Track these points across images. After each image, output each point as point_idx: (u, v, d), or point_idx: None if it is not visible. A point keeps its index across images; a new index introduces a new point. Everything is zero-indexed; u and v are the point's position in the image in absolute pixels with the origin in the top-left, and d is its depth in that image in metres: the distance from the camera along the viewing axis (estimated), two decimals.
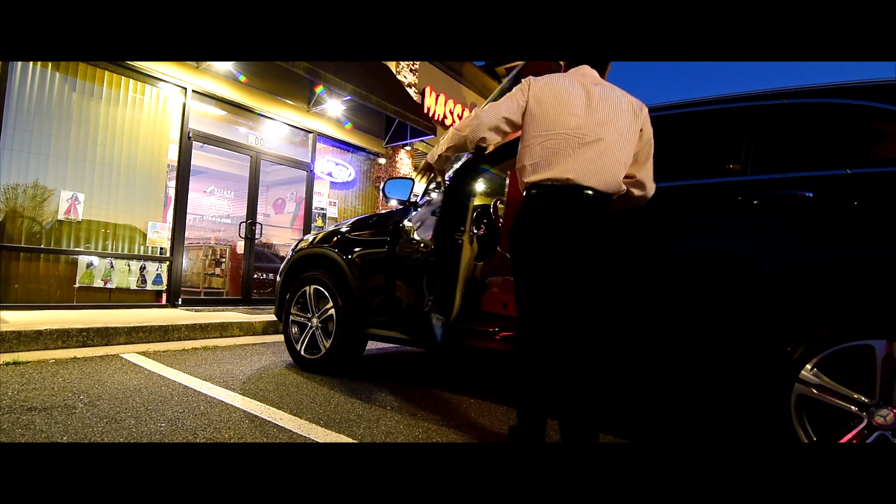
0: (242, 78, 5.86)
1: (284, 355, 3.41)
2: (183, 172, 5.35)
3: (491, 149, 2.24)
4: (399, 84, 7.95)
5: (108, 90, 4.79)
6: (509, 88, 1.99)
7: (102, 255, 4.71)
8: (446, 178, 2.24)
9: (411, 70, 8.65)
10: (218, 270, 7.27)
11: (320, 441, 1.81)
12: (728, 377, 1.70)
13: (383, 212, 3.05)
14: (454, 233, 2.27)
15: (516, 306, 1.66)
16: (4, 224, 4.19)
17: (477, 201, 3.95)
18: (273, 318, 4.57)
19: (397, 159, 8.24)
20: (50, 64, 4.42)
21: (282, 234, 7.87)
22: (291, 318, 3.10)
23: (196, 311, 5.11)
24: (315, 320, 2.97)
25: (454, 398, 2.55)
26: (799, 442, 1.50)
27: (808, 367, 1.50)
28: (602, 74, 1.71)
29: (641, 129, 1.65)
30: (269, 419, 2.01)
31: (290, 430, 1.90)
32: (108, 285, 4.73)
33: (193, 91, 5.41)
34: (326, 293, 2.90)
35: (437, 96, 9.25)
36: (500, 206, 3.31)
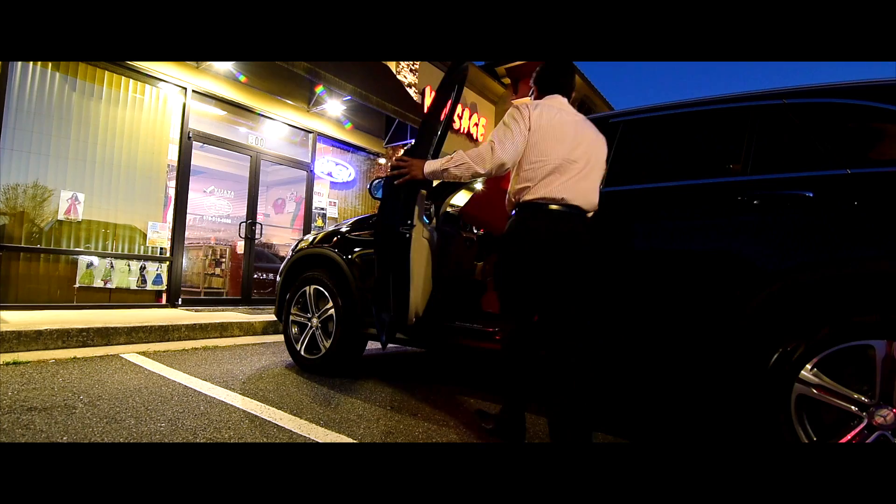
0: (242, 78, 5.86)
1: (284, 355, 3.41)
2: (183, 172, 5.35)
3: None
4: (399, 84, 7.95)
5: (108, 90, 4.79)
6: (449, 84, 2.10)
7: (102, 255, 4.71)
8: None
9: (411, 70, 8.65)
10: (218, 270, 7.27)
11: (320, 441, 1.81)
12: (728, 377, 1.70)
13: None
14: (398, 226, 2.10)
15: (502, 301, 1.87)
16: (4, 224, 4.19)
17: None
18: (273, 318, 4.57)
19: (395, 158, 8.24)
20: (50, 64, 4.42)
21: (282, 234, 7.87)
22: (291, 318, 3.10)
23: (196, 311, 5.11)
24: (315, 320, 2.97)
25: (454, 398, 2.55)
26: (799, 442, 1.50)
27: (808, 367, 1.50)
28: (569, 102, 1.94)
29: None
30: (269, 419, 2.01)
31: (290, 430, 1.90)
32: (108, 285, 4.73)
33: (193, 91, 5.41)
34: (326, 293, 2.90)
35: None
36: None
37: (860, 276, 1.51)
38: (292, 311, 3.09)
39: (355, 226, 3.00)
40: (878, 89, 1.66)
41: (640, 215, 1.99)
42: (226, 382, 2.57)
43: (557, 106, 1.85)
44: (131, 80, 4.96)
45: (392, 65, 8.20)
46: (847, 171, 1.58)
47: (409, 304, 2.15)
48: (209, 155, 6.82)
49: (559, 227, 1.72)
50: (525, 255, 1.74)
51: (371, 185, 2.85)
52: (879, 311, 1.42)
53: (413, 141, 8.00)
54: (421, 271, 2.26)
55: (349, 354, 2.89)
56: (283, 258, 6.34)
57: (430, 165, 1.94)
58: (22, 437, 1.66)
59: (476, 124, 10.39)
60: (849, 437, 1.42)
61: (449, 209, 3.01)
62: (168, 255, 5.19)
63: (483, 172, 1.79)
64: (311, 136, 6.91)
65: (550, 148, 1.75)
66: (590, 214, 1.85)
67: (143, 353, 3.20)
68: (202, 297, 6.54)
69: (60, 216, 4.46)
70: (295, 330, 3.09)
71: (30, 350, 3.06)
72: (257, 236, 6.19)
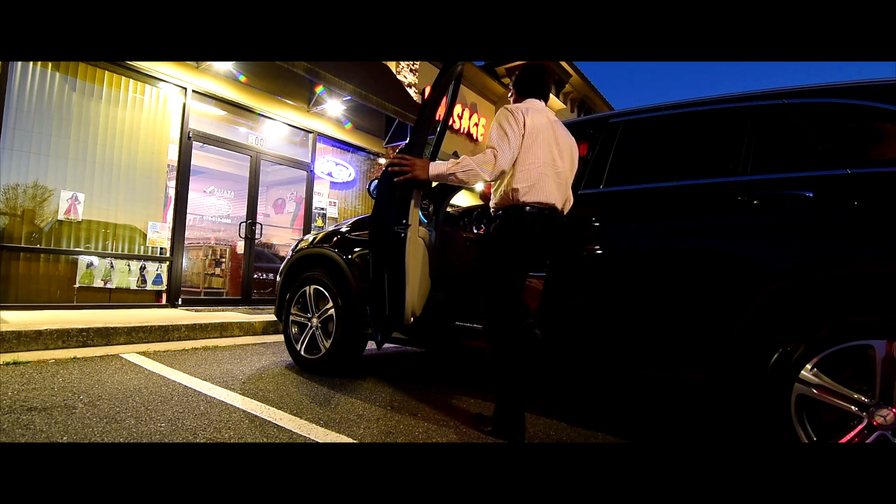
0: (242, 78, 5.86)
1: (284, 355, 3.41)
2: (183, 172, 5.35)
3: None
4: (399, 84, 7.95)
5: (108, 90, 4.79)
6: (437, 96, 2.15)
7: (102, 255, 4.71)
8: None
9: (411, 70, 8.65)
10: (218, 270, 7.27)
11: (320, 441, 1.81)
12: (728, 377, 1.70)
13: None
14: (394, 225, 2.09)
15: (493, 300, 1.94)
16: (4, 224, 4.19)
17: (476, 201, 3.94)
18: (273, 318, 4.57)
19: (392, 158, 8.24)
20: (50, 64, 4.42)
21: (282, 234, 7.87)
22: (291, 318, 3.10)
23: (196, 311, 5.11)
24: (315, 320, 2.97)
25: (454, 398, 2.55)
26: (799, 442, 1.50)
27: (808, 367, 1.50)
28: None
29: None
30: (269, 419, 2.01)
31: (290, 430, 1.90)
32: (108, 285, 4.73)
33: (193, 91, 5.41)
34: (326, 293, 2.90)
35: None
36: None
37: (860, 276, 1.51)
38: (292, 311, 3.09)
39: (355, 226, 3.00)
40: (879, 89, 1.66)
41: (641, 215, 1.99)
42: (226, 382, 2.57)
43: (541, 110, 1.99)
44: (131, 80, 4.96)
45: (392, 65, 8.20)
46: (847, 171, 1.58)
47: (406, 304, 2.13)
48: (209, 155, 6.82)
49: (550, 229, 1.95)
50: (521, 255, 1.92)
51: (370, 185, 2.85)
52: (879, 311, 1.42)
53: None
54: (417, 271, 2.25)
55: (349, 354, 2.89)
56: (283, 258, 6.34)
57: (436, 168, 1.96)
58: (22, 437, 1.66)
59: (476, 124, 10.40)
60: (849, 437, 1.42)
61: (449, 209, 3.01)
62: (168, 255, 5.19)
63: (487, 178, 1.89)
64: (311, 136, 6.91)
65: (542, 152, 1.90)
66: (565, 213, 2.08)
67: (143, 353, 3.20)
68: (202, 297, 6.54)
69: (60, 216, 4.46)
70: (295, 330, 3.09)
71: (30, 350, 3.06)
72: (257, 236, 6.19)
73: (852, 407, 1.42)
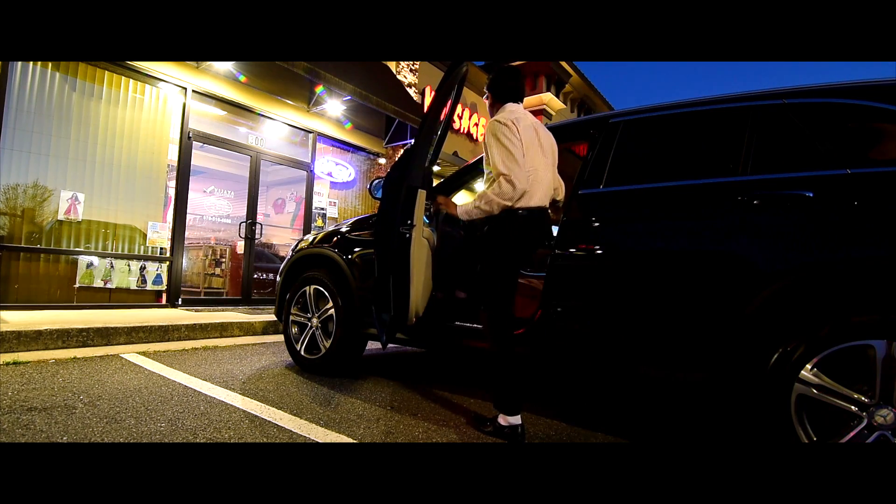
0: (242, 78, 5.86)
1: (284, 355, 3.41)
2: (183, 172, 5.35)
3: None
4: (399, 84, 7.95)
5: (108, 90, 4.79)
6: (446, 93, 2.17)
7: (102, 255, 4.71)
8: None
9: (411, 70, 8.65)
10: (218, 270, 7.27)
11: (320, 441, 1.81)
12: (728, 376, 1.70)
13: None
14: (398, 226, 2.11)
15: (494, 300, 2.00)
16: (4, 224, 4.19)
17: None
18: (273, 318, 4.57)
19: (397, 159, 8.24)
20: (50, 64, 4.42)
21: (282, 234, 7.87)
22: (291, 318, 3.10)
23: (196, 311, 5.11)
24: (315, 320, 2.97)
25: (454, 398, 2.55)
26: (799, 442, 1.50)
27: (808, 366, 1.50)
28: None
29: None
30: (269, 419, 2.01)
31: (290, 430, 1.90)
32: (108, 285, 4.73)
33: (193, 91, 5.41)
34: (326, 293, 2.90)
35: None
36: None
37: (860, 276, 1.51)
38: (292, 311, 3.09)
39: (355, 226, 3.00)
40: (879, 89, 1.66)
41: (641, 215, 1.99)
42: (226, 382, 2.57)
43: (524, 114, 2.06)
44: (131, 80, 4.96)
45: (392, 65, 8.20)
46: (847, 171, 1.58)
47: (410, 304, 2.14)
48: (209, 155, 6.82)
49: (541, 228, 2.05)
50: (516, 255, 2.01)
51: (371, 184, 2.85)
52: (879, 311, 1.42)
53: (412, 141, 8.02)
54: (421, 271, 2.26)
55: (349, 354, 2.89)
56: (283, 258, 6.34)
57: (464, 209, 2.08)
58: (22, 437, 1.66)
59: (476, 124, 10.39)
60: (849, 437, 1.42)
61: None
62: (168, 255, 5.19)
63: (511, 204, 1.94)
64: (311, 136, 6.91)
65: (534, 158, 2.00)
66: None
67: (143, 353, 3.20)
68: (202, 297, 6.54)
69: (60, 216, 4.46)
70: (295, 330, 3.09)
71: (30, 350, 3.06)
72: (257, 236, 6.19)
73: (852, 407, 1.42)
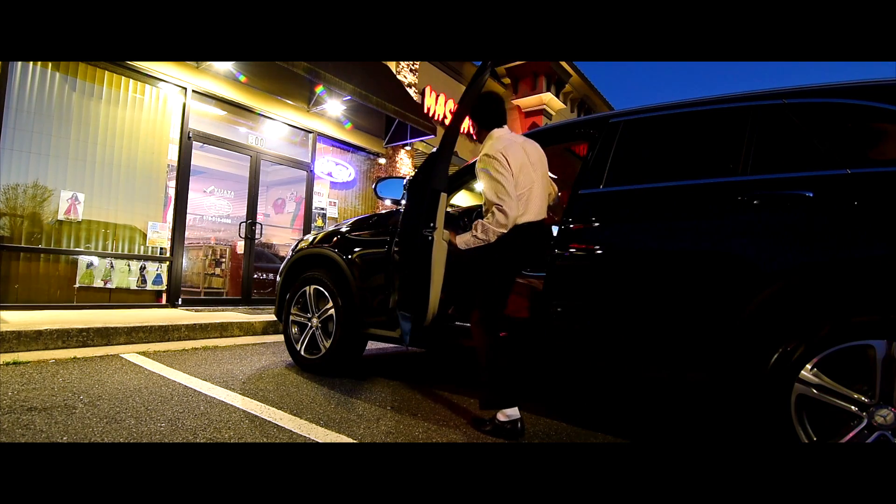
0: (242, 78, 5.86)
1: (284, 355, 3.41)
2: (183, 172, 5.35)
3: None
4: (399, 84, 7.95)
5: (108, 90, 4.79)
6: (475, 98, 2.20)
7: (102, 255, 4.71)
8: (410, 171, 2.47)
9: (411, 70, 8.65)
10: (218, 270, 7.27)
11: (320, 441, 1.81)
12: (728, 376, 1.70)
13: (383, 212, 3.05)
14: (422, 228, 2.17)
15: (483, 295, 2.12)
16: (4, 224, 4.19)
17: (476, 201, 3.94)
18: (273, 318, 4.57)
19: (397, 159, 8.25)
20: (50, 64, 4.42)
21: (282, 234, 7.87)
22: (291, 318, 3.10)
23: (196, 311, 5.11)
24: (315, 320, 2.97)
25: (454, 398, 2.55)
26: (799, 442, 1.50)
27: (808, 367, 1.50)
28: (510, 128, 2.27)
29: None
30: (269, 419, 2.01)
31: (290, 430, 1.90)
32: (108, 285, 4.73)
33: (193, 91, 5.41)
34: (326, 293, 2.90)
35: (437, 96, 9.25)
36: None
37: (860, 276, 1.51)
38: (292, 311, 3.09)
39: (355, 226, 3.00)
40: (878, 89, 1.66)
41: (641, 215, 1.99)
42: (226, 382, 2.57)
43: (511, 138, 2.16)
44: (131, 80, 4.96)
45: (392, 65, 8.20)
46: (847, 171, 1.58)
47: (429, 304, 2.19)
48: (209, 155, 6.82)
49: (539, 238, 2.19)
50: (515, 264, 2.14)
51: (376, 185, 2.85)
52: (879, 311, 1.42)
53: (413, 141, 8.00)
54: (440, 273, 2.30)
55: (349, 354, 2.89)
56: (283, 258, 6.34)
57: (463, 238, 2.18)
58: (22, 437, 1.66)
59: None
60: (849, 437, 1.42)
61: (449, 209, 3.01)
62: (168, 255, 5.19)
63: (506, 231, 2.07)
64: (311, 136, 6.91)
65: (525, 179, 2.11)
66: None
67: (143, 353, 3.20)
68: (202, 297, 6.54)
69: (60, 216, 4.46)
70: (295, 330, 3.09)
71: (30, 350, 3.06)
72: (257, 236, 6.19)
73: (852, 407, 1.42)
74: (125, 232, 4.90)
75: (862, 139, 1.71)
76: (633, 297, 1.93)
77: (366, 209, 7.86)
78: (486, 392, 2.03)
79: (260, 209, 6.40)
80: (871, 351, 1.41)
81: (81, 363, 2.84)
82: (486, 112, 2.23)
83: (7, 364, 2.67)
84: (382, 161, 8.09)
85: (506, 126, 2.24)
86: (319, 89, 6.35)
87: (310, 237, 3.31)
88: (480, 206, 3.26)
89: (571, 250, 2.09)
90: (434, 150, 2.29)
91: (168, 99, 5.24)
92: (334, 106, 6.80)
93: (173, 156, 5.30)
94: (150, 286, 5.04)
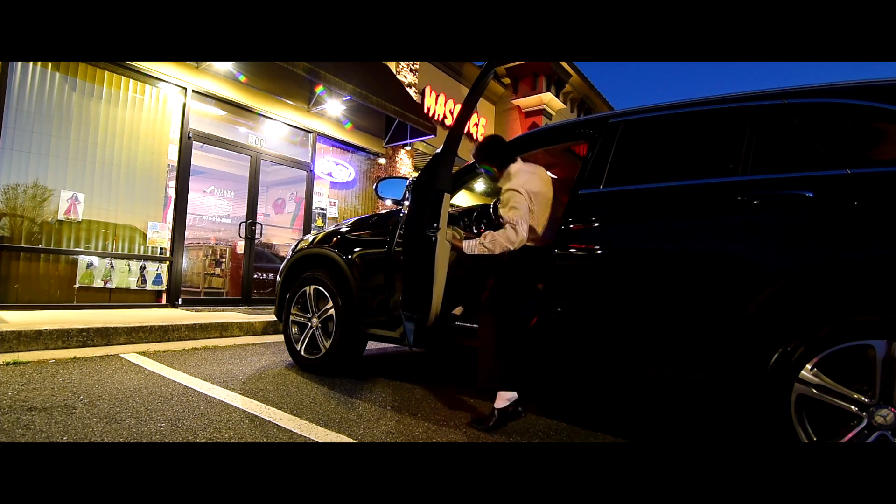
0: (242, 78, 5.86)
1: (284, 355, 3.41)
2: (183, 172, 5.35)
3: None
4: (399, 84, 7.96)
5: (108, 90, 4.79)
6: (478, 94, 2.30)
7: (102, 255, 4.71)
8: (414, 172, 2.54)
9: (411, 70, 8.65)
10: (218, 270, 7.27)
11: (320, 441, 1.81)
12: (728, 377, 1.70)
13: (383, 212, 3.05)
14: (426, 228, 2.19)
15: (496, 301, 2.21)
16: (4, 224, 4.19)
17: (476, 201, 3.94)
18: (273, 318, 4.57)
19: (397, 159, 8.25)
20: (50, 64, 4.42)
21: (282, 234, 7.87)
22: (291, 318, 3.10)
23: (196, 311, 5.11)
24: (315, 320, 2.97)
25: (454, 398, 2.55)
26: (799, 442, 1.50)
27: (808, 366, 1.50)
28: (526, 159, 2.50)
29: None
30: (269, 419, 2.01)
31: (290, 430, 1.90)
32: (108, 285, 4.73)
33: (193, 91, 5.41)
34: (326, 293, 2.90)
35: (437, 96, 9.26)
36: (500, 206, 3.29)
37: (860, 276, 1.51)
38: (292, 311, 3.09)
39: (355, 226, 3.00)
40: (878, 89, 1.66)
41: (641, 215, 1.99)
42: (226, 382, 2.57)
43: (527, 170, 2.35)
44: (131, 80, 4.96)
45: (392, 65, 8.20)
46: (847, 172, 1.58)
47: (432, 304, 2.20)
48: (209, 155, 6.82)
49: (540, 262, 2.28)
50: (529, 277, 2.29)
51: (377, 185, 2.85)
52: (879, 311, 1.42)
53: (413, 141, 8.00)
54: (443, 273, 2.31)
55: (349, 354, 2.89)
56: (283, 258, 6.34)
57: (469, 245, 2.32)
58: (22, 437, 1.66)
59: (476, 124, 10.40)
60: (849, 437, 1.42)
61: (450, 209, 3.01)
62: (168, 255, 5.19)
63: (513, 248, 2.22)
64: (311, 136, 6.92)
65: (541, 212, 2.30)
66: None
67: (143, 353, 3.20)
68: (202, 297, 6.54)
69: (60, 216, 4.46)
70: (295, 330, 3.09)
71: (30, 350, 3.06)
72: (257, 236, 6.19)
73: (852, 407, 1.42)
74: (125, 232, 4.91)
75: (862, 139, 1.71)
76: (633, 298, 1.93)
77: (366, 209, 7.86)
78: (485, 375, 2.13)
79: (260, 209, 6.40)
80: (870, 351, 1.41)
81: (81, 363, 2.84)
82: (497, 155, 2.41)
83: (7, 364, 2.67)
84: (382, 161, 8.09)
85: (518, 159, 2.42)
86: (319, 89, 6.35)
87: (310, 237, 3.31)
88: (480, 207, 3.27)
89: (571, 250, 2.09)
90: (437, 150, 2.30)
91: (168, 99, 5.24)
92: (334, 106, 6.80)
93: (173, 156, 5.30)
94: (150, 286, 5.04)
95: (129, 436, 1.74)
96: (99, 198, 4.73)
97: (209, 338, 4.04)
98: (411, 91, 8.41)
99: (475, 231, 3.32)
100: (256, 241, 6.22)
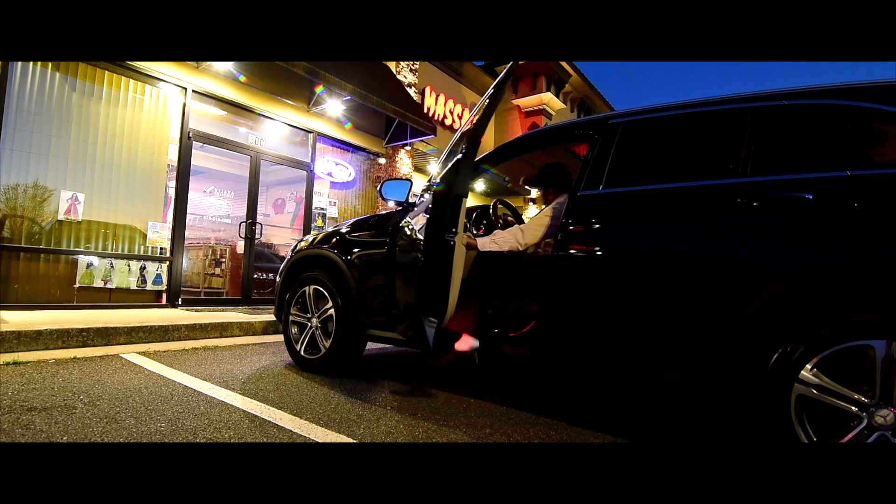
0: (242, 78, 5.86)
1: (284, 355, 3.42)
2: (183, 172, 5.35)
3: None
4: (399, 84, 7.96)
5: (108, 90, 4.80)
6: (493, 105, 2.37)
7: (102, 255, 4.71)
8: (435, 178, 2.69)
9: (411, 70, 8.65)
10: (218, 270, 7.27)
11: (320, 441, 1.82)
12: (728, 377, 1.70)
13: (383, 212, 3.05)
14: (445, 233, 2.23)
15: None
16: (4, 224, 4.19)
17: (476, 202, 3.94)
18: (273, 318, 4.57)
19: (397, 159, 8.25)
20: (50, 64, 4.42)
21: (282, 234, 7.88)
22: (291, 318, 3.10)
23: (196, 311, 5.11)
24: (315, 320, 2.97)
25: (454, 398, 2.55)
26: (799, 442, 1.50)
27: (808, 367, 1.50)
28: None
29: None
30: (269, 419, 2.01)
31: (290, 430, 1.90)
32: (108, 285, 4.73)
33: (193, 91, 5.42)
34: (326, 293, 2.90)
35: (437, 96, 9.26)
36: (500, 206, 3.30)
37: (860, 277, 1.51)
38: (292, 311, 3.09)
39: (355, 226, 3.00)
40: (878, 90, 1.66)
41: (641, 217, 1.99)
42: (226, 382, 2.57)
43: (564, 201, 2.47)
44: (131, 80, 4.96)
45: (392, 65, 8.20)
46: (847, 173, 1.58)
47: (448, 306, 2.22)
48: (209, 155, 6.82)
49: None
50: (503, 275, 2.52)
51: (381, 186, 2.86)
52: (879, 311, 1.42)
53: (413, 141, 7.99)
54: (459, 277, 2.34)
55: (349, 354, 2.89)
56: (283, 258, 6.34)
57: (483, 242, 2.52)
58: (22, 437, 1.66)
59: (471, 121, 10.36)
60: (849, 437, 1.42)
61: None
62: (168, 255, 5.19)
63: (521, 248, 2.49)
64: (311, 136, 6.92)
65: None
66: None
67: (143, 353, 3.20)
68: (202, 297, 6.54)
69: (60, 216, 4.46)
70: (295, 330, 3.09)
71: (30, 350, 3.06)
72: (257, 236, 6.19)
73: (852, 407, 1.42)
74: (125, 232, 4.91)
75: (862, 141, 1.71)
76: (632, 299, 1.93)
77: (366, 209, 7.87)
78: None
79: (260, 209, 6.40)
80: (870, 351, 1.41)
81: (81, 363, 2.84)
82: (561, 180, 2.69)
83: (7, 364, 2.67)
84: (382, 161, 8.09)
85: (566, 196, 2.58)
86: (319, 89, 6.35)
87: (309, 238, 3.31)
88: (480, 207, 3.28)
89: (571, 252, 2.09)
90: (458, 156, 2.33)
91: (168, 99, 5.25)
92: (334, 106, 6.80)
93: (173, 156, 5.30)
94: (150, 286, 5.04)
95: (129, 436, 1.74)
96: (99, 198, 4.73)
97: (209, 338, 4.04)
98: (411, 91, 8.41)
99: (475, 231, 3.32)
100: (256, 241, 6.22)
